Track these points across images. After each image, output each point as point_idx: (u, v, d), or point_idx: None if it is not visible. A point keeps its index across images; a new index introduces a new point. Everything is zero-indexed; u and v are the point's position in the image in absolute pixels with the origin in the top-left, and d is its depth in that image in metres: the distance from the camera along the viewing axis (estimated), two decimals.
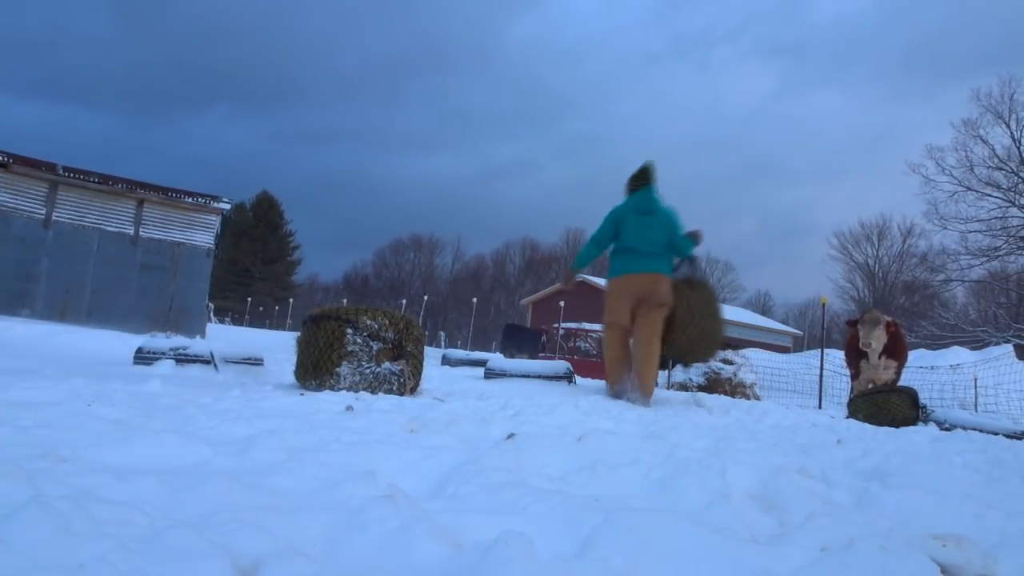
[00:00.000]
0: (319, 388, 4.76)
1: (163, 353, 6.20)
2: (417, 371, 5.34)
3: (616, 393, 5.52)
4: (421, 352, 5.51)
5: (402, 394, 4.96)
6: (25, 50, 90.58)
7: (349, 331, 4.94)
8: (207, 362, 6.16)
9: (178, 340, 6.78)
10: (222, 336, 16.87)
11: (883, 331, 9.16)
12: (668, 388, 13.14)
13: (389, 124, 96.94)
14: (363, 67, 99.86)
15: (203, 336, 14.88)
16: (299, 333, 5.35)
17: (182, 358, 6.14)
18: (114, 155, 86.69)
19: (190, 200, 17.57)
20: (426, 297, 34.57)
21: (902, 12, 77.03)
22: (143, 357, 6.25)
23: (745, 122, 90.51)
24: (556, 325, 22.06)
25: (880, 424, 6.58)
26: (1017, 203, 30.43)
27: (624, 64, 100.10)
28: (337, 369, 4.86)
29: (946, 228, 31.48)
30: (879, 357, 9.25)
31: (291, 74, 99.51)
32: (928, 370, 15.30)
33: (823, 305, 14.81)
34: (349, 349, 4.91)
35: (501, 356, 11.43)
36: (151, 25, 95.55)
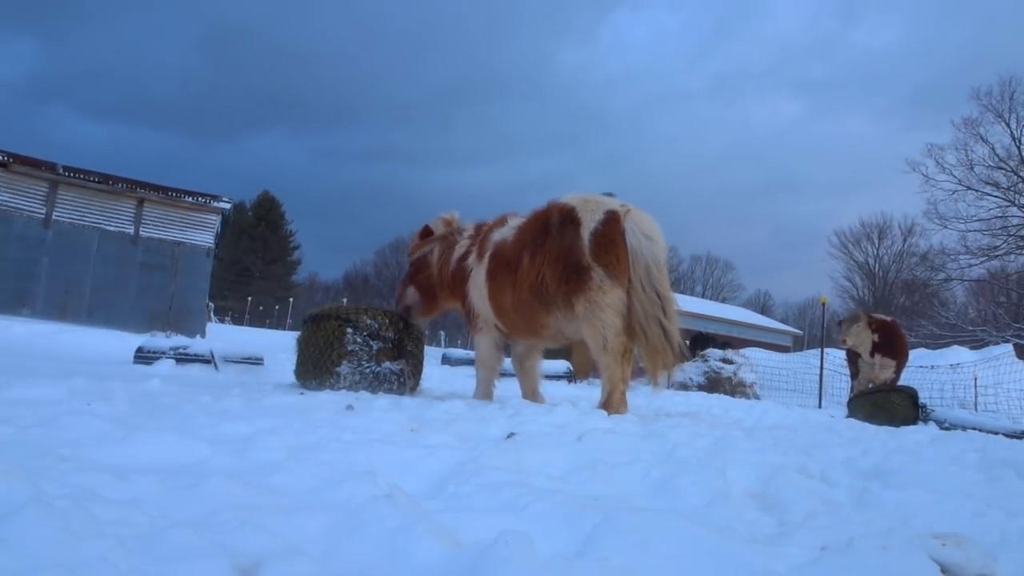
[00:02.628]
0: (319, 387, 4.75)
1: (163, 353, 6.20)
2: (417, 370, 5.34)
3: None
4: (421, 351, 5.50)
5: (402, 393, 4.95)
6: (105, 79, 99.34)
7: (349, 330, 4.93)
8: (207, 361, 6.15)
9: (178, 340, 6.77)
10: (222, 336, 16.87)
11: (863, 328, 9.22)
12: (668, 388, 13.13)
13: (436, 143, 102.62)
14: (419, 95, 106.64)
15: (203, 336, 14.88)
16: (299, 333, 5.33)
17: (182, 357, 6.14)
18: (172, 169, 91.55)
19: (190, 200, 17.56)
20: None
21: (926, 47, 78.27)
22: (143, 356, 6.25)
23: (769, 142, 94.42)
24: None
25: (880, 423, 6.59)
26: (1017, 202, 30.44)
27: (661, 93, 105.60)
28: (337, 368, 4.85)
29: (946, 227, 31.54)
30: (872, 355, 9.28)
31: (351, 99, 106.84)
32: (928, 369, 15.31)
33: (823, 305, 14.82)
34: (349, 348, 4.90)
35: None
36: (231, 56, 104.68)
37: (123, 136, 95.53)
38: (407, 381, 5.17)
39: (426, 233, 5.53)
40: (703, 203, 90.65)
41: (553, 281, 4.32)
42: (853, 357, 9.78)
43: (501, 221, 5.00)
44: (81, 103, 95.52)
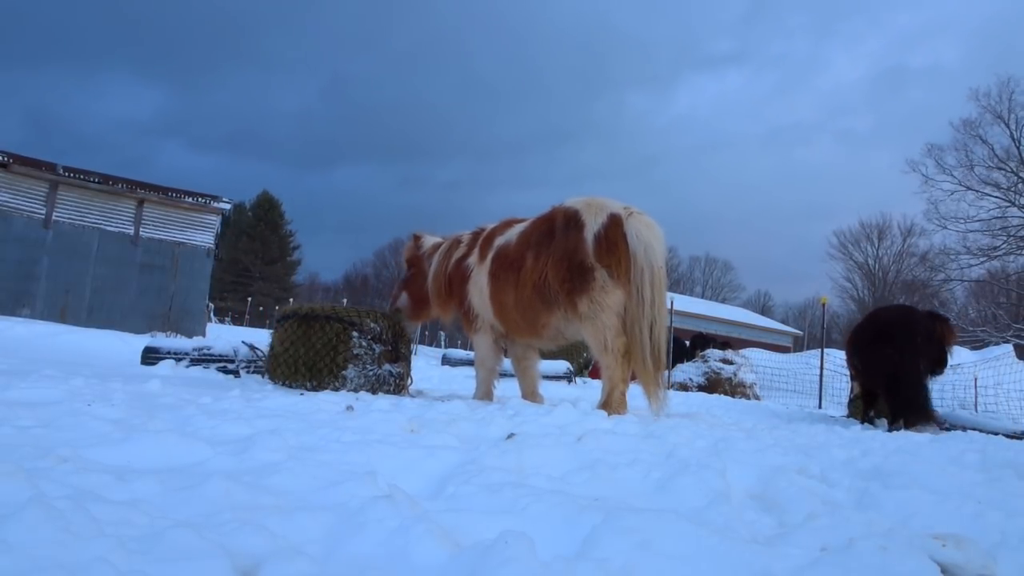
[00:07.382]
0: (315, 388, 4.75)
1: (187, 354, 6.07)
2: (408, 371, 5.41)
3: None
4: (410, 353, 5.59)
5: (400, 394, 4.97)
6: (221, 117, 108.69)
7: (355, 334, 4.94)
8: (230, 360, 6.09)
9: (200, 340, 6.65)
10: (222, 336, 16.86)
11: None
12: (668, 388, 13.14)
13: (503, 177, 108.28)
14: (498, 140, 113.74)
15: (203, 336, 14.86)
16: (277, 330, 5.26)
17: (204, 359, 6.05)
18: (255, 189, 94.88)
19: (190, 200, 17.56)
20: None
21: (960, 99, 79.49)
22: (156, 358, 6.16)
23: (807, 175, 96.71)
24: None
25: None
26: (1017, 203, 30.43)
27: (716, 139, 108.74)
28: (343, 372, 4.87)
29: (946, 228, 31.53)
30: None
31: (435, 140, 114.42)
32: None
33: (823, 305, 14.82)
34: (355, 352, 4.92)
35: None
36: (343, 102, 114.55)
37: (225, 165, 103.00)
38: (403, 382, 5.21)
39: (418, 241, 5.61)
40: (735, 222, 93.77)
41: (556, 280, 4.36)
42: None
43: (504, 225, 5.03)
44: (194, 138, 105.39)
